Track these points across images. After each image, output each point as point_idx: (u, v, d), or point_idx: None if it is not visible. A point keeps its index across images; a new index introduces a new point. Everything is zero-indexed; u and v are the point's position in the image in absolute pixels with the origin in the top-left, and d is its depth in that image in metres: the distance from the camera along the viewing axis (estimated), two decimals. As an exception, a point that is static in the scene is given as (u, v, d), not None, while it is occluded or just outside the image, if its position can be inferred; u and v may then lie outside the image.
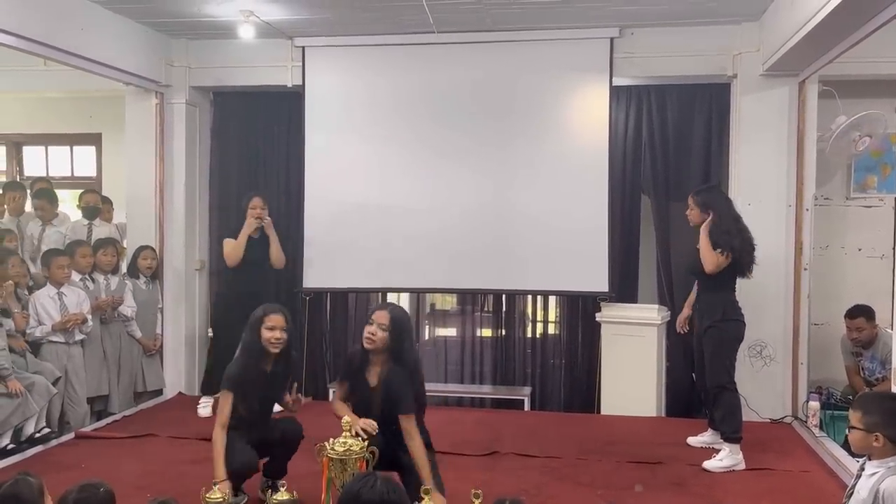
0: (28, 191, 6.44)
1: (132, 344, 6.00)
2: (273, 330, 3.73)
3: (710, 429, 5.01)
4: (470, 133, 6.11)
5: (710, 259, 4.63)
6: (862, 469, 2.87)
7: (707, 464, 4.59)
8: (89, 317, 5.42)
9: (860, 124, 5.51)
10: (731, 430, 4.63)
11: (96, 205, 6.38)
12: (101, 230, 6.30)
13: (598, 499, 4.03)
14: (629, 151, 6.34)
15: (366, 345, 3.65)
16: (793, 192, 5.69)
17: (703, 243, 4.67)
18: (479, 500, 2.92)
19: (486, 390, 6.55)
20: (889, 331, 3.25)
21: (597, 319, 6.05)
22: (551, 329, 6.76)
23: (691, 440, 5.07)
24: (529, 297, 6.66)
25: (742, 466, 4.58)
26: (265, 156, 6.82)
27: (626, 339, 5.88)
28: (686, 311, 5.16)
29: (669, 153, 6.24)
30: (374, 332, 3.62)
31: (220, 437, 3.58)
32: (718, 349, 4.68)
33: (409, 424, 3.55)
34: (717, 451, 4.69)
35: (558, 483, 4.33)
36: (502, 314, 6.70)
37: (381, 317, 3.64)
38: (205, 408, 5.74)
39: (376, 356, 3.68)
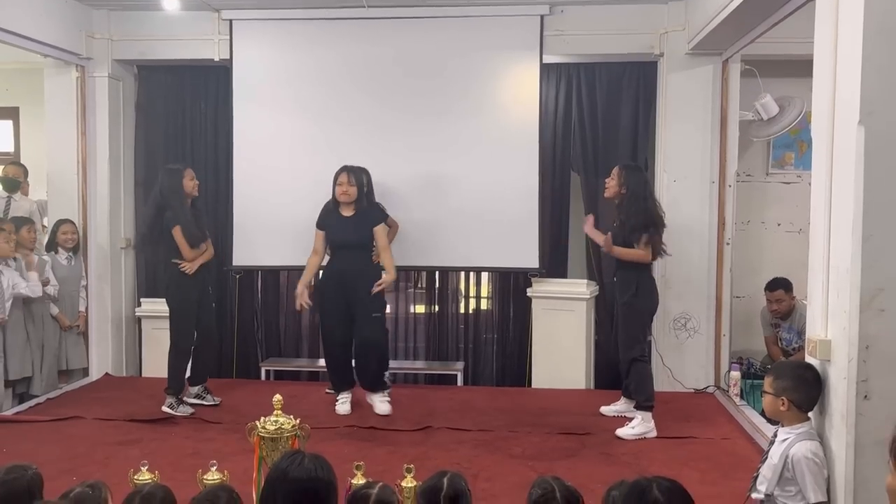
0: None
1: (55, 323, 5.83)
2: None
3: (622, 397, 5.17)
4: (401, 109, 6.09)
5: (638, 254, 4.75)
6: (775, 436, 2.99)
7: (620, 431, 4.74)
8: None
9: (785, 106, 5.75)
10: (643, 398, 4.79)
11: (17, 177, 6.15)
12: (20, 205, 6.09)
13: (529, 470, 4.11)
14: (559, 129, 6.41)
15: (343, 199, 5.20)
16: (716, 168, 5.84)
17: (624, 252, 4.77)
18: (412, 475, 2.96)
19: (419, 366, 6.59)
20: (806, 303, 3.39)
21: (528, 295, 6.14)
22: (484, 305, 6.83)
23: (604, 409, 5.22)
24: (462, 273, 6.71)
25: (654, 434, 4.73)
26: (192, 131, 6.67)
27: (556, 314, 5.99)
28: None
29: (598, 130, 6.32)
30: (346, 189, 5.17)
31: None
32: (629, 325, 4.83)
33: (383, 233, 5.25)
34: (630, 419, 4.84)
35: (490, 455, 4.41)
36: (435, 290, 6.74)
37: (347, 178, 5.19)
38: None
39: (347, 203, 5.22)
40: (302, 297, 5.27)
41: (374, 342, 5.25)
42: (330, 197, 5.32)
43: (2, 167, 6.37)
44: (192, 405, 5.27)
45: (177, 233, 5.11)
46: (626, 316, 4.84)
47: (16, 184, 6.12)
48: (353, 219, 5.23)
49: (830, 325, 3.01)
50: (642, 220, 4.75)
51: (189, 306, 5.23)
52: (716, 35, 5.22)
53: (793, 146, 6.43)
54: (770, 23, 4.70)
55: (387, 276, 5.20)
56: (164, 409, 5.16)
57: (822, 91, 3.11)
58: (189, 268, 5.17)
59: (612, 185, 4.91)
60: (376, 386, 5.30)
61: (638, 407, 4.81)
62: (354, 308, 5.20)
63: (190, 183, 5.20)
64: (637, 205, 4.76)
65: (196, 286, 5.26)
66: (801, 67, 4.02)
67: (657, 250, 4.84)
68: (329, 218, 5.28)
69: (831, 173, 3.02)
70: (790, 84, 5.84)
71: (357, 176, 5.23)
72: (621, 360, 4.92)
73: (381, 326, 5.42)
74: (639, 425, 4.74)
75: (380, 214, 5.37)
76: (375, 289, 5.11)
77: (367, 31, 6.08)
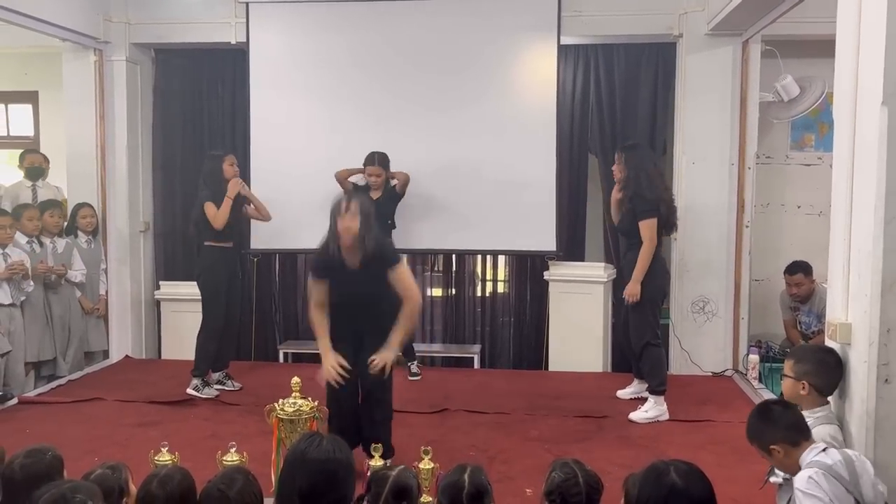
0: None
1: (80, 306, 5.91)
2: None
3: (635, 380, 5.16)
4: (417, 92, 6.06)
5: (647, 251, 4.72)
6: (794, 419, 2.97)
7: (633, 415, 4.74)
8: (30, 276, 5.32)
9: (806, 87, 5.67)
10: (656, 382, 4.79)
11: (40, 165, 6.19)
12: (44, 192, 6.14)
13: (546, 452, 4.12)
14: (577, 111, 6.38)
15: (347, 237, 3.80)
16: (735, 150, 5.80)
17: (642, 266, 4.74)
18: (429, 457, 2.98)
19: (436, 349, 6.61)
20: (826, 286, 3.36)
21: (545, 278, 6.13)
22: (501, 288, 6.83)
23: (620, 393, 5.22)
24: (479, 256, 6.71)
25: (666, 417, 4.73)
26: (210, 114, 6.69)
27: (573, 297, 5.98)
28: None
29: (616, 113, 6.28)
30: (349, 224, 3.79)
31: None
32: (641, 309, 4.81)
33: (402, 270, 3.91)
34: (644, 401, 4.84)
35: (506, 438, 4.41)
36: (452, 274, 6.75)
37: (347, 206, 3.84)
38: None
39: (351, 245, 3.84)
40: (335, 365, 3.87)
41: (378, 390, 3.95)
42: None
43: (21, 153, 6.40)
44: (216, 389, 5.30)
45: (209, 208, 5.13)
46: (637, 301, 4.82)
47: (40, 171, 6.15)
48: (362, 272, 3.89)
49: (851, 309, 2.98)
50: (646, 202, 4.72)
51: (219, 290, 5.26)
52: (736, 15, 5.16)
53: (813, 127, 6.36)
54: (791, 2, 4.65)
55: (385, 353, 3.82)
56: (189, 390, 5.17)
57: (844, 72, 3.06)
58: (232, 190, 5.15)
59: (617, 169, 4.91)
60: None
61: (651, 391, 4.81)
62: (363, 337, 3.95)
63: (230, 169, 5.27)
64: (639, 185, 4.73)
65: (227, 270, 5.32)
66: (823, 48, 3.95)
67: (663, 230, 4.82)
68: (331, 268, 3.94)
69: (853, 155, 2.98)
70: (811, 65, 5.75)
71: (359, 202, 3.93)
72: (633, 345, 4.92)
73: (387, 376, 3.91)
74: (651, 409, 4.74)
75: (391, 253, 4.02)
76: (373, 369, 3.81)
77: (383, 14, 6.05)
